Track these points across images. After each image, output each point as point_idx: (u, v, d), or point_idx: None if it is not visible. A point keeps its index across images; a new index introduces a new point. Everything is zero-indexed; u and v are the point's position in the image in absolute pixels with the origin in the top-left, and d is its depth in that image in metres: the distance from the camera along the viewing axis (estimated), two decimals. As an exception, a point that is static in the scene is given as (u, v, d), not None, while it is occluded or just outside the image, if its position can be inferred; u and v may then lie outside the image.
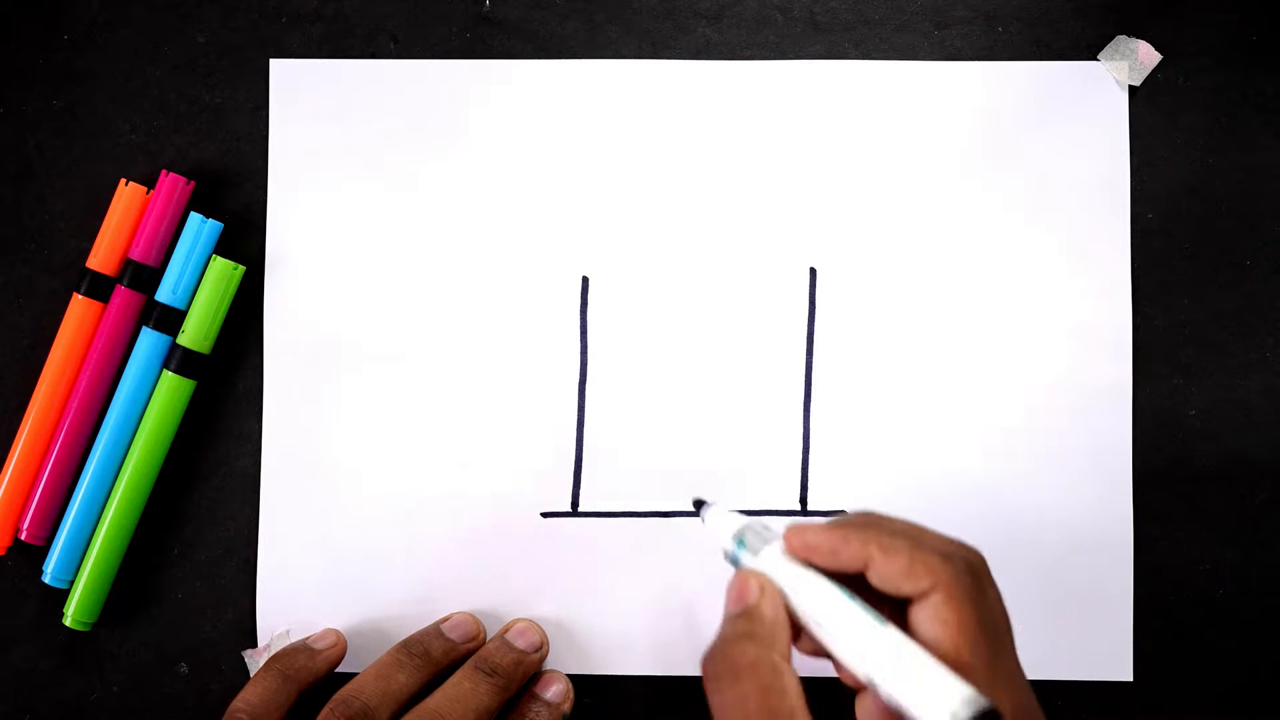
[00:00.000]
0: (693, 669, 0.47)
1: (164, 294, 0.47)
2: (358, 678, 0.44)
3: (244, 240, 0.48)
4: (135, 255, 0.47)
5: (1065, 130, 0.48)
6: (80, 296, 0.47)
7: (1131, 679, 0.47)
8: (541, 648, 0.47)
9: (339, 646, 0.47)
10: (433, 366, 0.48)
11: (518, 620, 0.47)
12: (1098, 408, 0.47)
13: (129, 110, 0.48)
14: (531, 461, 0.48)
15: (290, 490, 0.48)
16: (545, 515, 0.48)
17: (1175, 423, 0.48)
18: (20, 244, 0.48)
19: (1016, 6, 0.48)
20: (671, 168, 0.48)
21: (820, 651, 0.37)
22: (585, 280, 0.48)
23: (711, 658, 0.36)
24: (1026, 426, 0.47)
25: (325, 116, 0.48)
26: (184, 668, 0.48)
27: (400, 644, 0.46)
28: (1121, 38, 0.48)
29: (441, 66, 0.48)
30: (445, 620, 0.47)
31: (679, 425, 0.48)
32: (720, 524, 0.40)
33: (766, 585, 0.37)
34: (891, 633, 0.34)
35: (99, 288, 0.47)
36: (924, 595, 0.35)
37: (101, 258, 0.47)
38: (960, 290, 0.48)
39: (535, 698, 0.46)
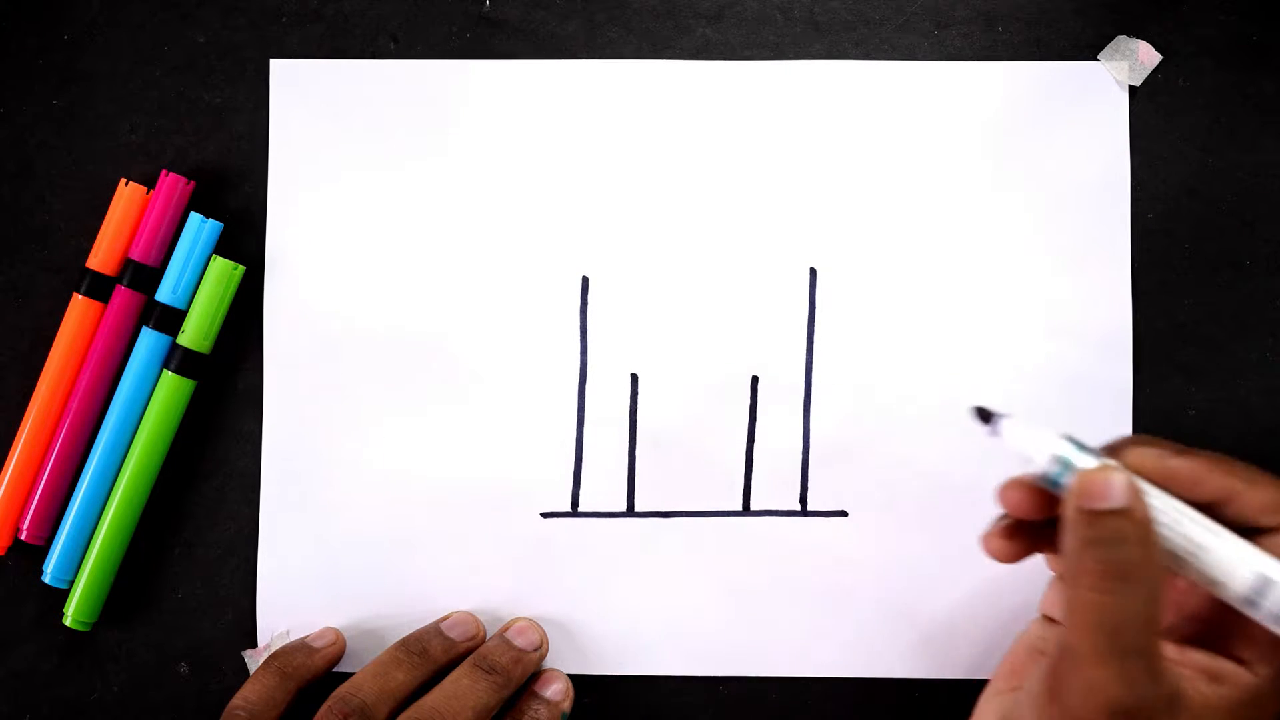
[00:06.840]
0: (693, 669, 0.47)
1: (164, 294, 0.47)
2: (356, 675, 0.44)
3: (244, 240, 0.48)
4: (135, 255, 0.47)
5: (1065, 130, 0.48)
6: (80, 296, 0.47)
7: (1132, 679, 0.47)
8: (541, 646, 0.47)
9: (338, 645, 0.47)
10: (432, 366, 0.48)
11: (517, 619, 0.47)
12: (1098, 408, 0.47)
13: (129, 110, 0.48)
14: (531, 461, 0.48)
15: (290, 490, 0.48)
16: (545, 515, 0.48)
17: (1175, 423, 0.47)
18: (20, 244, 0.48)
19: (1016, 6, 0.48)
20: (671, 168, 0.48)
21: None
22: (585, 280, 0.48)
23: (1094, 554, 0.34)
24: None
25: (325, 116, 0.48)
26: (184, 668, 0.48)
27: (399, 642, 0.46)
28: (1121, 38, 0.48)
29: (441, 66, 0.48)
30: (445, 619, 0.47)
31: (679, 425, 0.48)
32: (1030, 439, 0.37)
33: (1136, 487, 0.35)
34: (1263, 554, 0.34)
35: (99, 288, 0.47)
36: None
37: (101, 258, 0.47)
38: (960, 290, 0.48)
39: (535, 696, 0.46)
